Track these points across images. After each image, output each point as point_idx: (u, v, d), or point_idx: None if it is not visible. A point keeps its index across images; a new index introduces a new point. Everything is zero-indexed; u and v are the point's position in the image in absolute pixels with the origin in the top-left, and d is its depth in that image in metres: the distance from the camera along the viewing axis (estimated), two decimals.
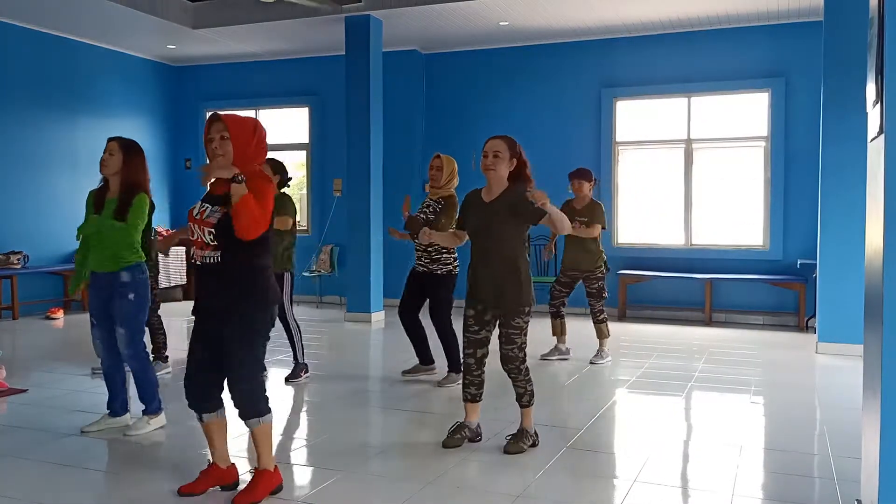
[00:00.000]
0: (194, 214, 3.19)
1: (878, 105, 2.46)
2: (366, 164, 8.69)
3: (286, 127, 10.85)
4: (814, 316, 7.68)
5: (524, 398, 3.99)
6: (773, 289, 8.55)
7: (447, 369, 5.49)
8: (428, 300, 5.52)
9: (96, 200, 4.21)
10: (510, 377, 3.97)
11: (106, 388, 4.38)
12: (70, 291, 4.46)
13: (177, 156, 11.24)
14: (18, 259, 8.61)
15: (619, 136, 9.28)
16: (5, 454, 3.88)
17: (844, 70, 6.44)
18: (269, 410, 3.23)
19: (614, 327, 8.24)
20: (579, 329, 7.29)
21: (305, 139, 10.66)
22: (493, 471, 3.70)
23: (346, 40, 8.74)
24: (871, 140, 2.66)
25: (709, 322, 8.56)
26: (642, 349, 6.92)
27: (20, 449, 3.96)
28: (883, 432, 2.36)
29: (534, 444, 3.97)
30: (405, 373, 5.67)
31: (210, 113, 3.15)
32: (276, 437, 4.29)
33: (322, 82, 10.33)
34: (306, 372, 5.67)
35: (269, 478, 3.26)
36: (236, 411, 3.20)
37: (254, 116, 3.18)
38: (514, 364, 3.92)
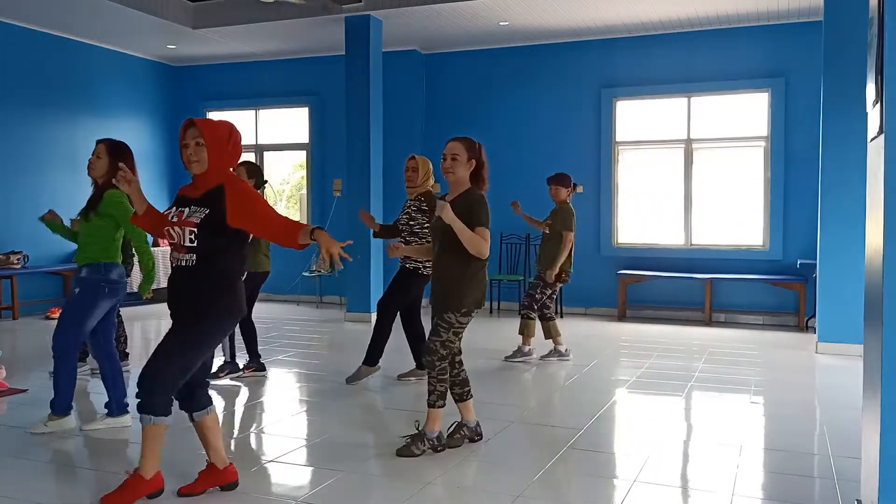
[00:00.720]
0: (170, 217, 3.18)
1: (878, 105, 2.46)
2: (366, 164, 8.69)
3: (286, 127, 10.85)
4: (814, 316, 7.68)
5: (430, 397, 3.90)
6: (773, 289, 8.55)
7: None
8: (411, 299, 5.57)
9: (88, 204, 4.21)
10: (430, 376, 3.91)
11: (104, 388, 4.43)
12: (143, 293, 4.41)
13: (177, 156, 11.22)
14: (18, 259, 8.61)
15: (619, 136, 9.28)
16: (5, 454, 3.87)
17: (844, 70, 6.44)
18: (166, 413, 3.10)
19: (614, 327, 8.26)
20: (578, 329, 7.28)
21: (305, 139, 10.66)
22: (493, 471, 3.70)
23: (346, 40, 8.74)
24: (871, 140, 2.66)
25: (709, 322, 8.56)
26: (642, 349, 6.92)
27: (20, 449, 3.96)
28: (883, 432, 2.36)
29: (434, 449, 3.87)
30: (401, 377, 5.62)
31: (185, 119, 3.19)
32: (277, 437, 4.29)
33: (322, 82, 10.33)
34: (230, 373, 5.67)
35: (138, 482, 3.17)
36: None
37: (229, 120, 3.14)
38: (431, 357, 3.85)
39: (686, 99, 8.99)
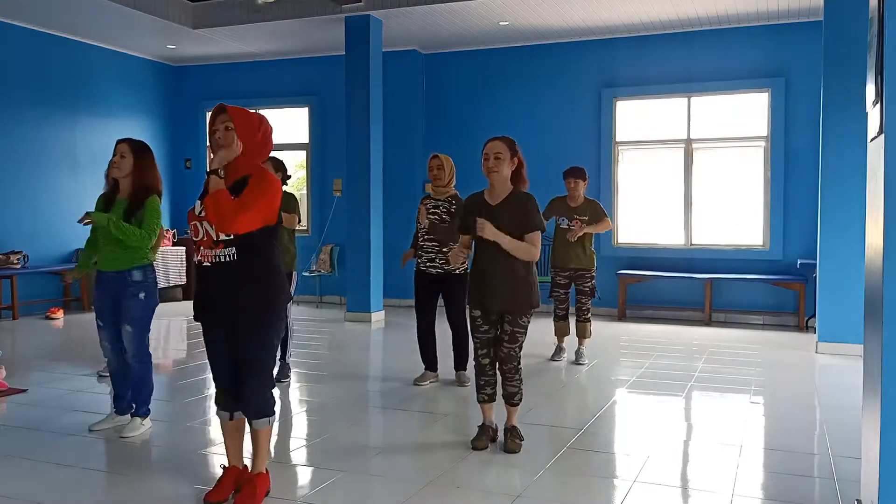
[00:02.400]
0: (197, 213, 3.09)
1: (878, 105, 2.46)
2: (366, 164, 8.69)
3: (286, 127, 10.84)
4: (814, 316, 7.68)
5: (517, 397, 3.99)
6: (773, 289, 8.55)
7: (456, 368, 5.47)
8: (445, 302, 5.42)
9: (106, 203, 4.16)
10: (506, 376, 3.97)
11: (112, 388, 4.39)
12: (70, 277, 4.41)
13: (177, 156, 11.23)
14: (18, 259, 8.61)
15: (619, 136, 9.28)
16: (5, 454, 3.87)
17: (844, 70, 6.44)
18: (274, 412, 3.22)
19: (614, 327, 8.26)
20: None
21: (305, 139, 10.66)
22: (493, 471, 3.70)
23: (346, 40, 8.74)
24: (871, 140, 2.66)
25: (709, 322, 8.56)
26: (642, 349, 6.92)
27: (20, 449, 3.96)
28: (883, 432, 2.36)
29: (522, 438, 4.01)
30: (418, 381, 5.51)
31: (217, 105, 3.11)
32: (277, 437, 4.29)
33: (322, 82, 10.33)
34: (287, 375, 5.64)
35: (265, 481, 3.25)
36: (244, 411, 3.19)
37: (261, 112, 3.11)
38: (513, 363, 3.93)
39: (686, 99, 8.99)
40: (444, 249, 5.26)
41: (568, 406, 5.09)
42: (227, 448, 3.32)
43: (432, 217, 5.27)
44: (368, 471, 3.70)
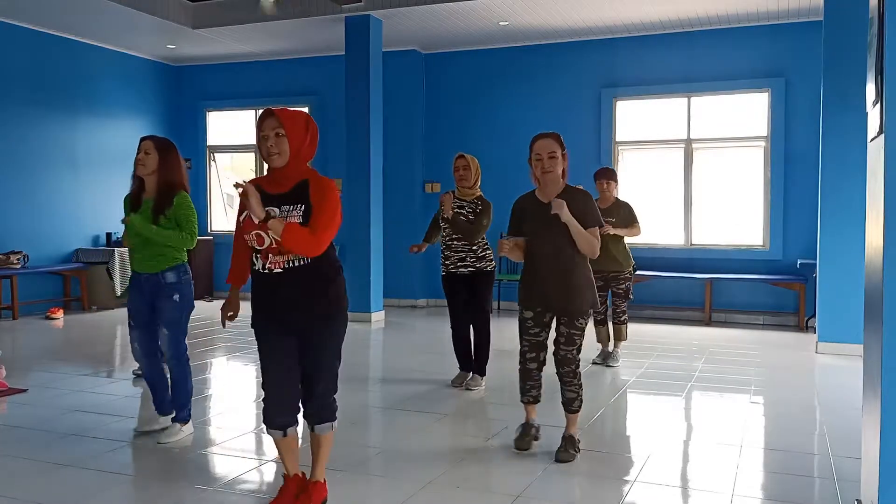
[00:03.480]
0: (257, 220, 2.91)
1: (878, 105, 2.46)
2: (366, 164, 8.69)
3: None
4: (814, 316, 7.68)
5: (576, 403, 3.87)
6: (773, 289, 8.55)
7: (473, 372, 5.43)
8: (471, 302, 5.36)
9: (132, 202, 4.09)
10: (564, 380, 3.85)
11: (150, 392, 4.30)
12: (119, 294, 4.37)
13: None
14: (18, 259, 8.61)
15: (619, 136, 9.28)
16: (5, 454, 3.88)
17: (844, 70, 6.44)
18: (336, 417, 3.17)
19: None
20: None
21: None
22: (492, 471, 3.70)
23: (346, 40, 8.74)
24: (871, 140, 2.66)
25: (709, 322, 8.56)
26: (642, 349, 6.92)
27: (20, 449, 3.96)
28: (883, 432, 2.36)
29: (579, 450, 3.85)
30: (455, 383, 5.45)
31: (263, 109, 2.97)
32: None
33: (322, 82, 10.33)
34: None
35: (323, 490, 3.20)
36: (309, 419, 3.12)
37: (306, 112, 3.02)
38: (571, 366, 3.81)
39: (686, 99, 8.99)
40: (474, 248, 5.24)
41: None
42: (284, 460, 3.18)
43: (457, 216, 5.20)
44: (368, 471, 3.70)
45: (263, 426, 3.14)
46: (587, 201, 3.80)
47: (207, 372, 5.95)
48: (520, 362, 3.96)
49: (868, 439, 2.62)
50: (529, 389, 3.96)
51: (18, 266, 8.60)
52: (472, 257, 5.25)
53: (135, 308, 4.10)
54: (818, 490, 3.49)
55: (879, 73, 2.42)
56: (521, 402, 4.02)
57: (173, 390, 4.19)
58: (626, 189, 9.30)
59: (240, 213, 3.05)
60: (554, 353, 3.86)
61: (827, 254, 6.76)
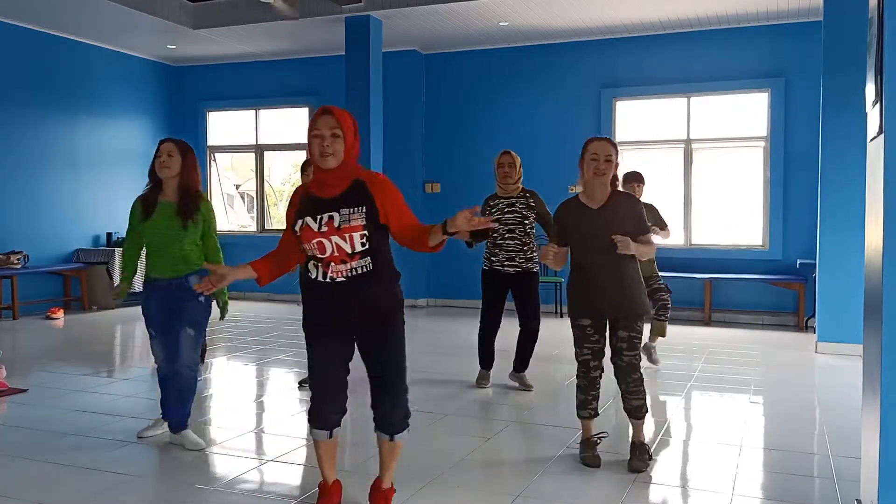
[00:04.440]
0: (318, 229, 2.81)
1: (878, 105, 2.46)
2: (366, 165, 8.66)
3: (286, 127, 10.85)
4: (814, 316, 7.68)
5: (643, 410, 3.77)
6: (772, 289, 8.55)
7: (519, 370, 5.36)
8: (520, 301, 5.30)
9: (145, 205, 4.00)
10: (630, 388, 3.74)
11: (162, 395, 4.16)
12: (121, 296, 4.19)
13: None
14: (18, 259, 8.61)
15: (619, 136, 9.28)
16: (5, 454, 3.88)
17: (844, 70, 6.45)
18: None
19: None
20: None
21: (305, 139, 10.64)
22: (492, 471, 3.70)
23: (346, 40, 8.74)
24: (871, 140, 2.66)
25: (709, 322, 8.56)
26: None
27: (20, 449, 3.96)
28: (883, 432, 2.36)
29: (651, 457, 3.77)
30: (481, 383, 5.41)
31: (322, 106, 2.90)
32: (277, 437, 4.29)
33: (322, 82, 10.34)
34: None
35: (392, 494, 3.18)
36: (387, 427, 3.05)
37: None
38: (637, 373, 3.72)
39: (686, 99, 8.99)
40: (525, 248, 5.21)
41: (568, 406, 5.08)
42: (323, 466, 3.11)
43: (507, 215, 5.18)
44: (368, 471, 3.69)
45: (308, 426, 3.07)
46: (636, 207, 3.75)
47: (207, 372, 5.95)
48: (580, 375, 3.81)
49: (868, 439, 2.62)
50: (591, 402, 3.82)
51: (18, 266, 8.60)
52: (521, 257, 5.21)
53: (154, 315, 4.00)
54: (818, 490, 3.49)
55: (879, 73, 2.42)
56: (581, 417, 3.85)
57: (186, 397, 4.05)
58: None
59: (293, 221, 2.91)
60: (615, 363, 3.75)
61: (827, 254, 6.76)
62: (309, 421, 3.04)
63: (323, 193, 2.86)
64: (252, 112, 10.97)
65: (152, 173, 4.02)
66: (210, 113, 11.23)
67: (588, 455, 3.78)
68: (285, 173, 11.87)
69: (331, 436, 3.05)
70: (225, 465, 3.80)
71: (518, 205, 5.21)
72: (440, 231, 2.75)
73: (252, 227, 11.26)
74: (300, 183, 5.41)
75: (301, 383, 5.41)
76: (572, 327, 3.78)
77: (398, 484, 3.48)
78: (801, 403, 5.04)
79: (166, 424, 4.16)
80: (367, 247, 2.83)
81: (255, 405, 5.04)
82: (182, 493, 3.40)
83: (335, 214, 2.80)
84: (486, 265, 5.30)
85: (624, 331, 3.70)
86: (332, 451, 3.11)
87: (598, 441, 3.86)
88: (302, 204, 2.91)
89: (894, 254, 2.33)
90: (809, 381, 5.85)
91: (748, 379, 5.73)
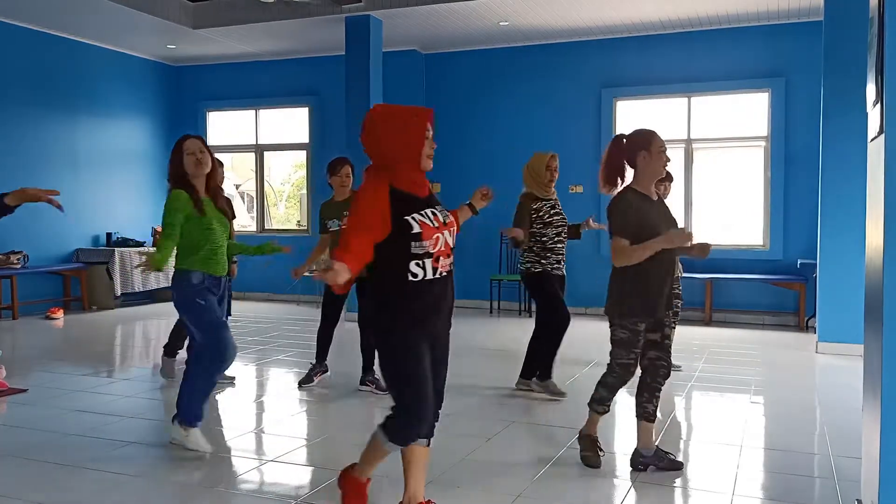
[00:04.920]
0: (436, 224, 2.80)
1: (878, 105, 2.46)
2: (366, 164, 8.67)
3: (286, 127, 10.85)
4: (814, 316, 7.68)
5: (655, 413, 3.71)
6: (773, 289, 8.55)
7: (544, 378, 5.28)
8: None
9: (195, 201, 3.88)
10: (658, 390, 3.67)
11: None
12: (153, 265, 3.86)
13: None
14: (18, 259, 8.61)
15: None
16: (5, 454, 3.88)
17: (844, 70, 6.44)
18: None
19: None
20: (578, 329, 7.26)
21: (305, 139, 10.66)
22: (492, 471, 3.70)
23: (346, 40, 8.75)
24: (871, 140, 2.66)
25: (709, 322, 8.56)
26: None
27: (20, 449, 3.96)
28: (883, 432, 2.36)
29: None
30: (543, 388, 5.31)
31: (427, 108, 2.91)
32: (277, 437, 4.29)
33: (322, 82, 10.33)
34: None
35: None
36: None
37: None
38: (665, 380, 3.68)
39: (686, 99, 8.99)
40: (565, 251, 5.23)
41: (568, 406, 5.09)
42: (411, 479, 2.97)
43: (555, 217, 5.14)
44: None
45: (402, 440, 2.87)
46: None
47: None
48: (618, 375, 3.67)
49: (868, 439, 2.62)
50: (611, 399, 3.80)
51: (18, 266, 8.60)
52: (564, 260, 5.22)
53: (218, 310, 3.95)
54: (818, 490, 3.49)
55: (879, 73, 2.42)
56: (596, 411, 3.77)
57: (197, 393, 3.98)
58: None
59: (396, 220, 2.74)
60: (660, 364, 3.65)
61: (827, 254, 6.76)
62: (409, 435, 2.85)
63: (420, 193, 2.84)
64: (252, 112, 10.97)
65: (177, 172, 3.90)
66: (210, 113, 11.23)
67: (590, 455, 3.77)
68: (285, 173, 11.87)
69: (428, 444, 2.98)
70: (225, 465, 3.80)
71: (558, 206, 5.22)
72: (468, 211, 3.22)
73: (252, 227, 11.26)
74: (330, 182, 5.35)
75: (301, 384, 5.40)
76: (619, 328, 3.59)
77: (398, 483, 3.48)
78: (802, 403, 5.04)
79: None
80: (453, 247, 2.91)
81: (255, 405, 5.04)
82: (182, 493, 3.40)
83: (437, 212, 2.84)
84: (537, 268, 5.10)
85: (666, 328, 3.64)
86: (422, 461, 2.99)
87: (600, 447, 3.84)
88: (399, 202, 2.77)
89: (895, 254, 2.33)
90: (810, 381, 5.85)
91: (748, 379, 5.73)
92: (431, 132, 2.86)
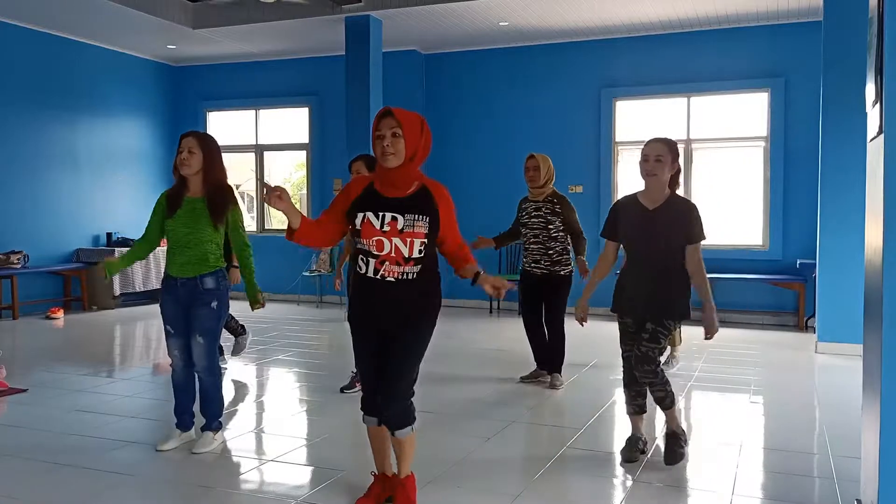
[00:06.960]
0: (381, 228, 2.87)
1: (878, 105, 2.46)
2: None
3: (286, 127, 10.86)
4: (813, 316, 7.68)
5: (667, 400, 3.80)
6: (772, 289, 8.55)
7: (550, 370, 5.45)
8: (546, 302, 5.41)
9: (171, 200, 3.88)
10: (643, 380, 3.78)
11: (175, 401, 4.07)
12: (107, 270, 3.96)
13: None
14: (18, 259, 8.61)
15: (619, 136, 9.28)
16: (5, 454, 3.88)
17: (844, 70, 6.45)
18: (415, 419, 3.12)
19: (614, 327, 8.24)
20: (578, 328, 7.26)
21: (305, 139, 10.66)
22: (493, 471, 3.70)
23: (346, 40, 8.75)
24: (871, 140, 2.66)
25: None
26: None
27: (20, 449, 3.96)
28: (883, 432, 2.36)
29: (686, 443, 3.84)
30: (524, 379, 5.54)
31: (383, 108, 2.92)
32: (277, 437, 4.30)
33: (322, 82, 10.33)
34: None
35: (414, 482, 3.23)
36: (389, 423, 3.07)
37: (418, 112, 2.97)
38: (650, 365, 3.73)
39: (686, 99, 8.99)
40: (550, 252, 5.29)
41: (568, 406, 5.09)
42: (376, 454, 3.24)
43: (532, 219, 5.29)
44: (368, 471, 3.69)
45: (361, 413, 3.15)
46: (691, 213, 3.69)
47: None
48: (623, 369, 3.93)
49: (868, 439, 2.62)
50: (635, 398, 3.88)
51: (18, 266, 8.60)
52: (546, 261, 5.33)
53: (172, 315, 3.90)
54: (818, 490, 3.50)
55: (879, 73, 2.42)
56: (627, 413, 3.94)
57: (207, 401, 4.00)
58: (626, 190, 9.32)
59: (349, 210, 2.94)
60: (633, 353, 3.80)
61: (827, 254, 6.77)
62: (363, 405, 3.13)
63: (387, 192, 2.93)
64: (252, 112, 10.97)
65: (176, 169, 3.89)
66: (210, 113, 11.23)
67: (626, 450, 3.83)
68: (285, 173, 11.87)
69: (379, 423, 3.09)
70: (225, 465, 3.81)
71: (544, 209, 5.27)
72: (472, 275, 3.07)
73: (252, 227, 11.26)
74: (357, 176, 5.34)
75: (343, 389, 5.24)
76: (617, 322, 3.94)
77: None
78: (801, 403, 5.04)
79: (182, 434, 4.05)
80: (422, 255, 2.93)
81: (255, 405, 5.04)
82: (182, 494, 3.40)
83: (399, 217, 2.88)
84: (522, 266, 5.53)
85: (651, 323, 3.74)
86: (381, 437, 3.17)
87: (643, 445, 3.88)
88: (364, 196, 2.94)
89: (894, 254, 2.34)
90: (809, 381, 5.85)
91: (748, 379, 5.73)
92: (387, 131, 2.85)
